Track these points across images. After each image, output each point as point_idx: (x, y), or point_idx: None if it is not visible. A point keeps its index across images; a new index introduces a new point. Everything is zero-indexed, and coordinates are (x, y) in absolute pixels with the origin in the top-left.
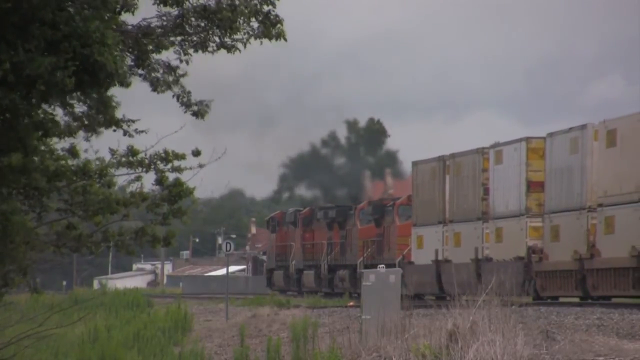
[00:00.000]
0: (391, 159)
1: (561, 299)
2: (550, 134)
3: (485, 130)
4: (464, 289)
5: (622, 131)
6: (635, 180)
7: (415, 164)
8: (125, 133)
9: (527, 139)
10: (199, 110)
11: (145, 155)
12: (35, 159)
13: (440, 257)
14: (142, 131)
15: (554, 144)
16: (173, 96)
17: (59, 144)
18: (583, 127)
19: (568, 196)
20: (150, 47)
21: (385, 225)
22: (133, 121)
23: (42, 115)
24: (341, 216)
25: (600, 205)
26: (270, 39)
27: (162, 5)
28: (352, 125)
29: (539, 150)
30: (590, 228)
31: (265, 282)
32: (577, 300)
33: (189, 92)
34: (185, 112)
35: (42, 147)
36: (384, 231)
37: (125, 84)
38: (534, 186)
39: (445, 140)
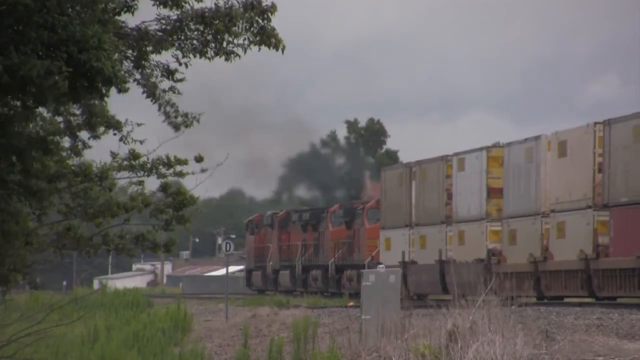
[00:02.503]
0: (391, 159)
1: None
2: (508, 144)
3: (481, 131)
4: (428, 289)
5: (571, 142)
6: (583, 188)
7: (383, 170)
8: (121, 139)
9: (487, 148)
10: (183, 123)
11: (147, 159)
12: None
13: (407, 259)
14: (139, 141)
15: (512, 153)
16: (159, 107)
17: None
18: (537, 138)
19: (524, 202)
20: (150, 47)
21: (356, 228)
22: (121, 130)
23: (42, 133)
24: (315, 219)
25: (553, 211)
26: (269, 47)
27: (161, 6)
28: (352, 125)
29: (499, 159)
30: (544, 232)
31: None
32: (533, 300)
33: (176, 105)
34: (164, 121)
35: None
36: (354, 233)
37: (122, 89)
38: (493, 192)
39: (441, 141)
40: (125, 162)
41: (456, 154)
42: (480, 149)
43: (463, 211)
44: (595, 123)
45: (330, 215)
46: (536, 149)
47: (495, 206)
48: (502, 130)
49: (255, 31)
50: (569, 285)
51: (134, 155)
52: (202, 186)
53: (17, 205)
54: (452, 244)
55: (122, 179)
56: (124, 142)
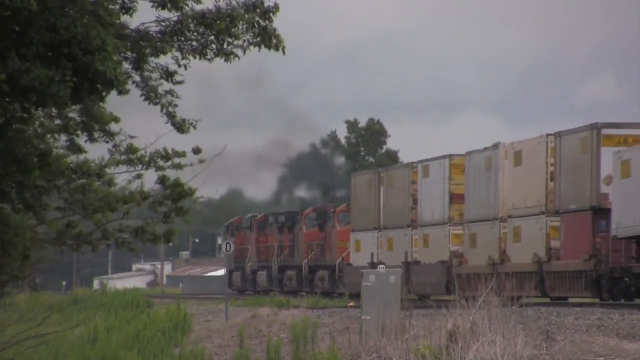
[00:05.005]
0: (391, 159)
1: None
2: (469, 153)
3: (479, 131)
4: None
5: (526, 152)
6: (536, 195)
7: (353, 175)
8: (114, 146)
9: (450, 156)
10: (181, 126)
11: (145, 152)
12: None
13: (375, 260)
14: (136, 150)
15: (472, 161)
16: (161, 109)
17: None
18: (495, 147)
19: (484, 208)
20: (149, 50)
21: (328, 230)
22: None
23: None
24: (290, 221)
25: (510, 216)
26: (269, 48)
27: (160, 8)
28: (352, 125)
29: (460, 166)
30: (502, 236)
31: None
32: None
33: (176, 105)
34: (167, 122)
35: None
36: (326, 235)
37: (123, 91)
38: (455, 198)
39: (439, 141)
40: (124, 157)
41: (421, 161)
42: (443, 156)
43: (427, 215)
44: (548, 134)
45: (304, 217)
46: (495, 158)
47: (457, 211)
48: (499, 130)
49: (256, 32)
50: (524, 286)
51: (131, 150)
52: (199, 178)
53: (17, 217)
54: (417, 247)
55: (120, 172)
56: (116, 150)
